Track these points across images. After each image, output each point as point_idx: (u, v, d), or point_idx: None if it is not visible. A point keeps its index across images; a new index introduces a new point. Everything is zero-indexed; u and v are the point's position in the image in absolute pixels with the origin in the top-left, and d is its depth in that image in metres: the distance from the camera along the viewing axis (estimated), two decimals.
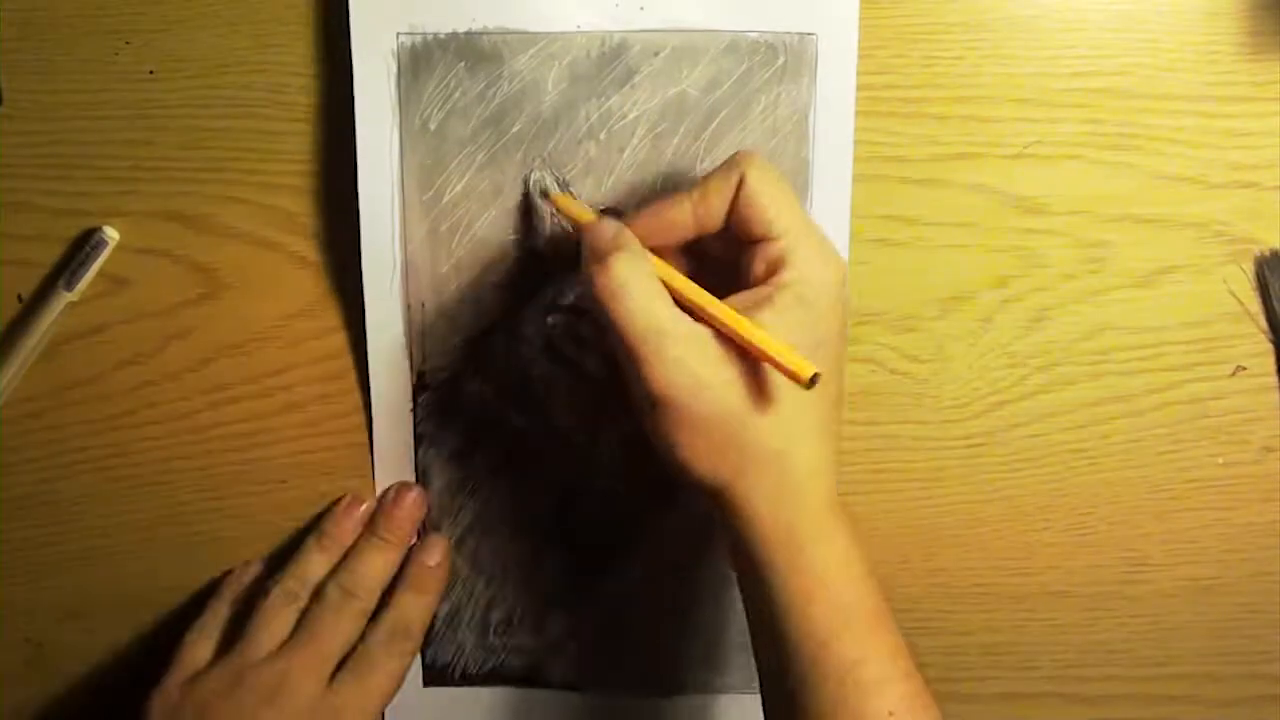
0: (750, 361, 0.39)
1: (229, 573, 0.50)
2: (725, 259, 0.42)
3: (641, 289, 0.38)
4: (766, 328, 0.38)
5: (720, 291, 0.40)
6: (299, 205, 0.47)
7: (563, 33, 0.45)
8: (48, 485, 0.50)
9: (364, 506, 0.50)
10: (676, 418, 0.38)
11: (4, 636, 0.52)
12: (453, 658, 0.52)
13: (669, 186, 0.46)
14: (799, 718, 0.39)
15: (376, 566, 0.48)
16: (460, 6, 0.45)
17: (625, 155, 0.46)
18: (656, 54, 0.45)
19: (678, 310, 0.39)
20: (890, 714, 0.38)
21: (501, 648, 0.51)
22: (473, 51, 0.45)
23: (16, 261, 0.48)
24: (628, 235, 0.40)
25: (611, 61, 0.45)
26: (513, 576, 0.51)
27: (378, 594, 0.48)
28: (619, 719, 0.52)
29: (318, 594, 0.48)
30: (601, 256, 0.39)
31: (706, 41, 0.45)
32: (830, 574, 0.39)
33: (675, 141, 0.46)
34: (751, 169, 0.40)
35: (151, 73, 0.47)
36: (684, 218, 0.41)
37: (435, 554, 0.50)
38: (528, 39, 0.45)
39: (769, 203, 0.40)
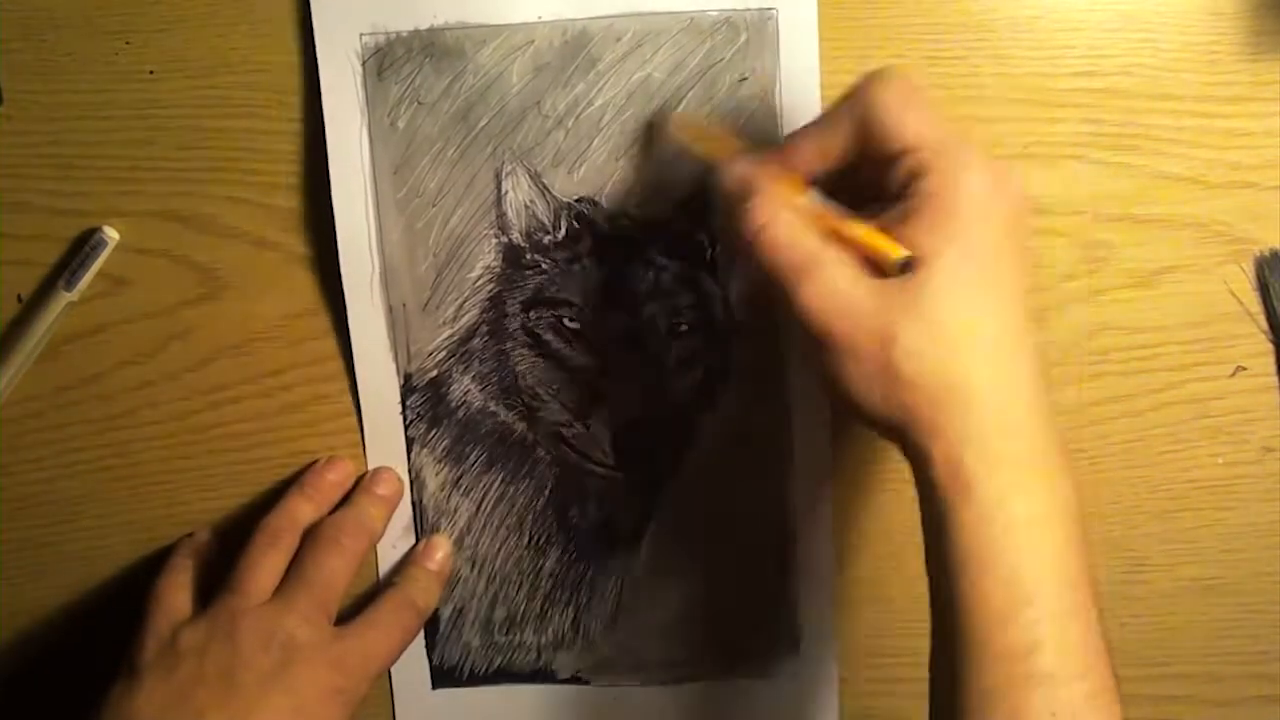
0: (905, 283, 0.36)
1: (179, 541, 0.50)
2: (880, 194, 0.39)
3: (783, 226, 0.37)
4: (913, 244, 0.36)
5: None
6: (299, 205, 0.48)
7: (524, 23, 0.45)
8: (48, 485, 0.50)
9: (343, 465, 0.49)
10: (833, 345, 0.36)
11: (4, 637, 0.52)
12: (460, 658, 0.52)
13: (643, 169, 0.46)
14: (958, 698, 0.35)
15: (366, 515, 0.48)
16: (421, 3, 0.45)
17: (594, 143, 0.46)
18: (619, 40, 0.45)
19: (821, 240, 0.37)
20: (1053, 715, 0.34)
21: (507, 645, 0.51)
22: (436, 48, 0.45)
23: (16, 261, 0.48)
24: (760, 174, 0.39)
25: (575, 50, 0.46)
26: (513, 574, 0.51)
27: (365, 539, 0.48)
28: (629, 709, 0.52)
29: (306, 536, 0.47)
30: (739, 201, 0.38)
31: (667, 23, 0.45)
32: (1014, 536, 0.35)
33: (644, 126, 0.46)
34: (874, 82, 0.37)
35: (151, 73, 0.47)
36: (809, 156, 0.39)
37: (436, 556, 0.50)
38: (490, 32, 0.45)
39: (896, 113, 0.37)
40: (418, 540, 0.50)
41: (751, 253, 0.38)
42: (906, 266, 0.35)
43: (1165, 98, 0.46)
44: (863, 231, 0.37)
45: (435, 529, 0.50)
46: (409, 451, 0.49)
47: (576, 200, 0.47)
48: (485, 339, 0.48)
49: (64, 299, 0.47)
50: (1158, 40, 0.46)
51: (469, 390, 0.49)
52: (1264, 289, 0.47)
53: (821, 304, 0.36)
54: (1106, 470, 0.49)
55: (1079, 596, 0.35)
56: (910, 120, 0.37)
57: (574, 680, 0.52)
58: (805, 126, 0.40)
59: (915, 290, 0.36)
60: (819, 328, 0.36)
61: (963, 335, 0.36)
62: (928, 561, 0.37)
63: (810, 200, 0.39)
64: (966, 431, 0.35)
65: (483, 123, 0.46)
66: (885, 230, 0.37)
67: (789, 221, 0.37)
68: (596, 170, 0.46)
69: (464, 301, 0.48)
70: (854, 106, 0.38)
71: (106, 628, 0.49)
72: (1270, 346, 0.48)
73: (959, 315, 0.35)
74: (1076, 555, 0.36)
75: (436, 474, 0.50)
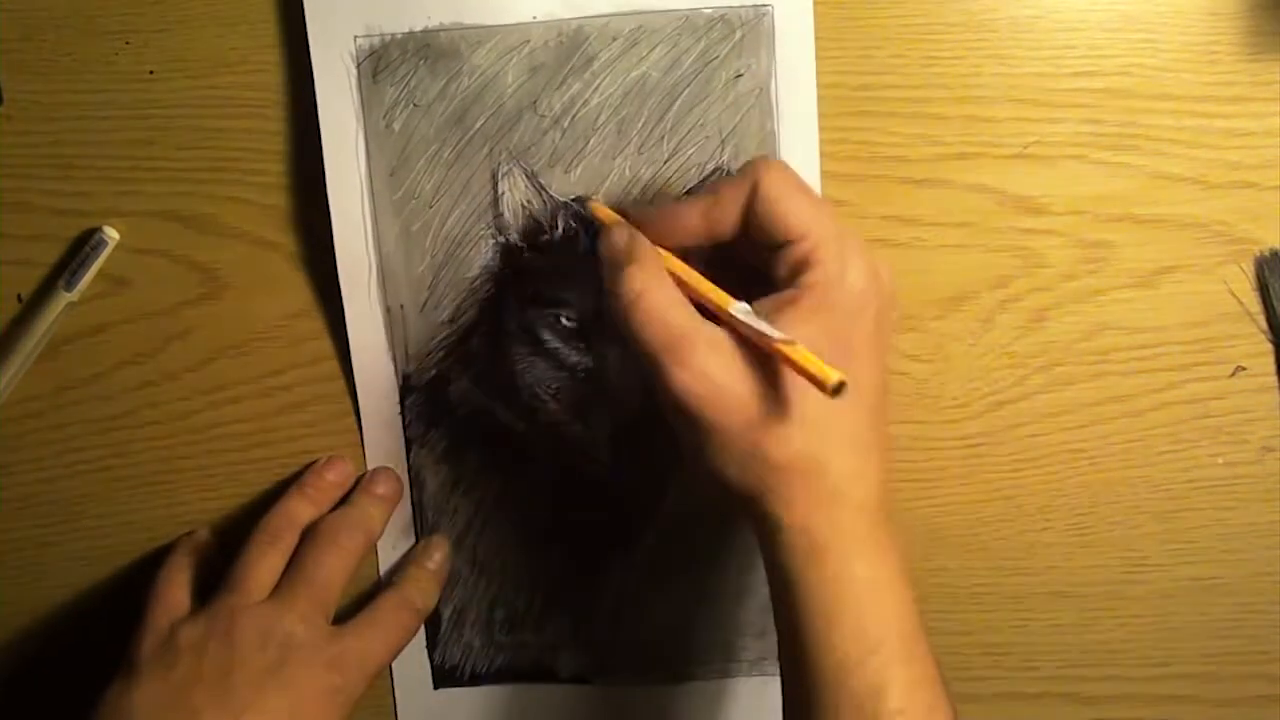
0: (773, 365, 0.38)
1: (178, 539, 0.50)
2: (758, 269, 0.42)
3: (659, 298, 0.38)
4: (790, 331, 0.37)
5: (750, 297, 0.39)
6: (299, 205, 0.48)
7: (518, 24, 0.45)
8: (48, 485, 0.50)
9: (343, 465, 0.49)
10: (701, 426, 0.38)
11: (4, 637, 0.52)
12: (461, 658, 0.52)
13: (636, 170, 0.46)
14: None
15: (363, 515, 0.48)
16: (415, 4, 0.45)
17: (590, 143, 0.46)
18: (614, 39, 0.45)
19: (698, 315, 0.38)
20: None
21: (508, 644, 0.51)
22: (431, 49, 0.46)
23: (16, 261, 0.48)
24: (641, 243, 0.40)
25: (570, 49, 0.46)
26: (514, 573, 0.51)
27: (363, 539, 0.48)
28: (631, 708, 0.52)
29: (306, 536, 0.47)
30: (618, 267, 0.39)
31: (662, 21, 0.45)
32: (859, 594, 0.38)
33: (640, 125, 0.46)
34: (766, 173, 0.40)
35: (151, 73, 0.47)
36: (694, 223, 0.41)
37: (435, 556, 0.50)
38: (485, 32, 0.45)
39: (788, 204, 0.39)
40: (417, 540, 0.50)
41: (624, 321, 0.39)
42: (839, 389, 0.36)
43: (1165, 98, 0.46)
44: (795, 353, 0.37)
45: (435, 529, 0.50)
46: (408, 451, 0.49)
47: (573, 199, 0.47)
48: (484, 339, 0.48)
49: (64, 299, 0.47)
50: (1158, 40, 0.46)
51: (468, 390, 0.49)
52: (1264, 289, 0.47)
53: (693, 388, 0.38)
54: (1106, 470, 0.49)
55: (919, 648, 0.39)
56: (801, 210, 0.39)
57: (575, 680, 0.52)
58: (693, 197, 0.42)
59: (788, 379, 0.38)
60: (689, 410, 0.38)
61: (826, 423, 0.38)
62: (776, 619, 0.40)
63: (739, 311, 0.38)
64: (820, 504, 0.38)
65: (479, 124, 0.46)
66: (767, 316, 0.38)
67: (664, 295, 0.39)
68: (593, 169, 0.47)
69: (462, 302, 0.48)
70: (745, 185, 0.40)
71: (106, 627, 0.50)
72: (1270, 346, 0.48)
73: (825, 404, 0.37)
74: (912, 614, 0.39)
75: (436, 474, 0.50)
